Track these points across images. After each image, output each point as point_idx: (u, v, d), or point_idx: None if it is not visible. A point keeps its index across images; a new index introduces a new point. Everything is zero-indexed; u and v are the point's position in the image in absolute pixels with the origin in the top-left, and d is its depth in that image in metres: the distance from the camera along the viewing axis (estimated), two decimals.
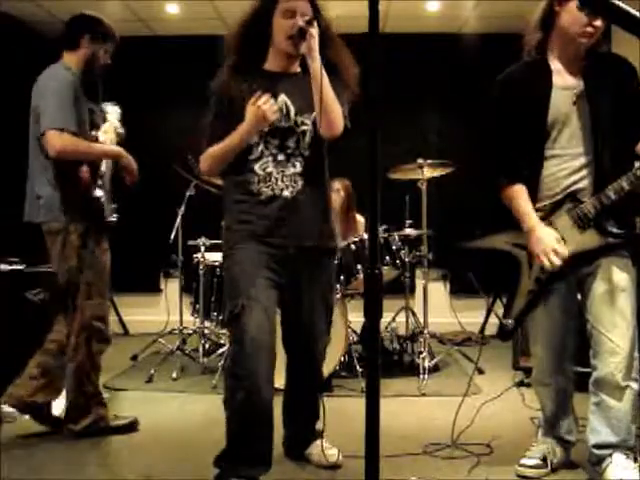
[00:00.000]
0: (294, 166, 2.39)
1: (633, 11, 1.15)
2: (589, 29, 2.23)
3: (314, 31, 2.26)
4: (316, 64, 2.26)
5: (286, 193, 2.37)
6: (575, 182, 2.32)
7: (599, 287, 2.31)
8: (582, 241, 2.31)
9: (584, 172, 2.31)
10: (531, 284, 2.40)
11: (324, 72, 2.26)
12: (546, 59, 2.37)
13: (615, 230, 2.28)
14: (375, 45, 1.31)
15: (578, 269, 2.35)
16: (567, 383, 2.50)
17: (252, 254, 2.36)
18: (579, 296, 2.47)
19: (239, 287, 2.32)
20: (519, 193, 2.35)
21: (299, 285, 2.45)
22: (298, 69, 2.48)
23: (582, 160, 2.31)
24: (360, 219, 4.71)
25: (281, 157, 2.39)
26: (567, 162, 2.32)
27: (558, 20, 2.30)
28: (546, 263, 2.28)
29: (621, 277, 2.29)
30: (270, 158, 2.38)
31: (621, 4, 1.15)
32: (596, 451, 2.32)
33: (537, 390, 2.59)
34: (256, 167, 2.38)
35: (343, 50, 2.45)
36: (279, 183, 2.37)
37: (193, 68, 5.69)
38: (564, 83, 2.33)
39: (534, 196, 2.36)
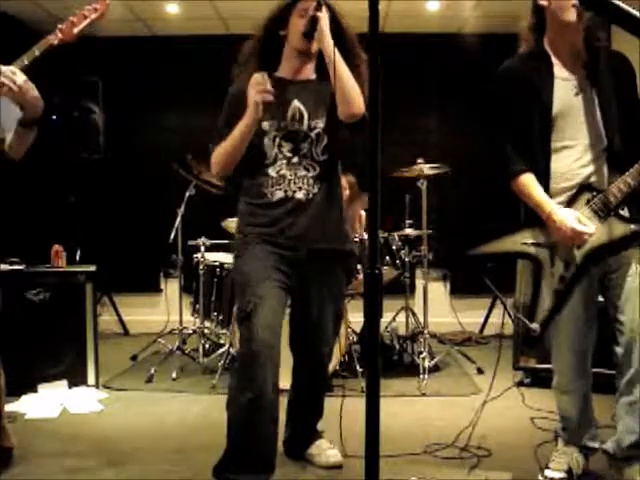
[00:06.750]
0: (307, 169, 2.38)
1: (633, 11, 1.15)
2: (574, 1, 2.18)
3: (322, 14, 2.28)
4: (327, 43, 2.26)
5: (299, 195, 2.36)
6: (591, 173, 2.26)
7: (631, 284, 2.24)
8: (606, 232, 2.22)
9: (598, 163, 2.27)
10: (556, 283, 2.26)
11: (338, 53, 2.26)
12: (545, 50, 2.33)
13: (631, 215, 2.22)
14: (375, 45, 1.31)
15: (604, 261, 2.27)
16: (588, 388, 2.40)
17: (262, 255, 2.35)
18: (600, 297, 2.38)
19: (249, 287, 2.31)
20: (530, 182, 2.27)
21: (308, 288, 2.44)
22: (313, 75, 2.46)
23: (594, 150, 2.27)
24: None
25: (295, 160, 2.37)
26: (580, 153, 2.27)
27: (548, 12, 2.27)
28: (575, 242, 2.20)
29: None
30: (284, 161, 2.37)
31: (621, 4, 1.15)
32: (631, 451, 2.28)
33: (559, 399, 2.46)
34: (270, 170, 2.37)
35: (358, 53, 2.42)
36: (292, 185, 2.36)
37: (193, 68, 5.72)
38: (565, 74, 2.30)
39: (546, 188, 2.28)
